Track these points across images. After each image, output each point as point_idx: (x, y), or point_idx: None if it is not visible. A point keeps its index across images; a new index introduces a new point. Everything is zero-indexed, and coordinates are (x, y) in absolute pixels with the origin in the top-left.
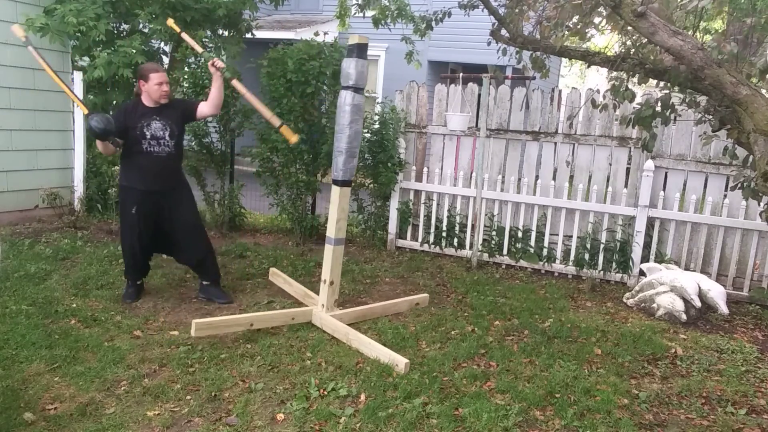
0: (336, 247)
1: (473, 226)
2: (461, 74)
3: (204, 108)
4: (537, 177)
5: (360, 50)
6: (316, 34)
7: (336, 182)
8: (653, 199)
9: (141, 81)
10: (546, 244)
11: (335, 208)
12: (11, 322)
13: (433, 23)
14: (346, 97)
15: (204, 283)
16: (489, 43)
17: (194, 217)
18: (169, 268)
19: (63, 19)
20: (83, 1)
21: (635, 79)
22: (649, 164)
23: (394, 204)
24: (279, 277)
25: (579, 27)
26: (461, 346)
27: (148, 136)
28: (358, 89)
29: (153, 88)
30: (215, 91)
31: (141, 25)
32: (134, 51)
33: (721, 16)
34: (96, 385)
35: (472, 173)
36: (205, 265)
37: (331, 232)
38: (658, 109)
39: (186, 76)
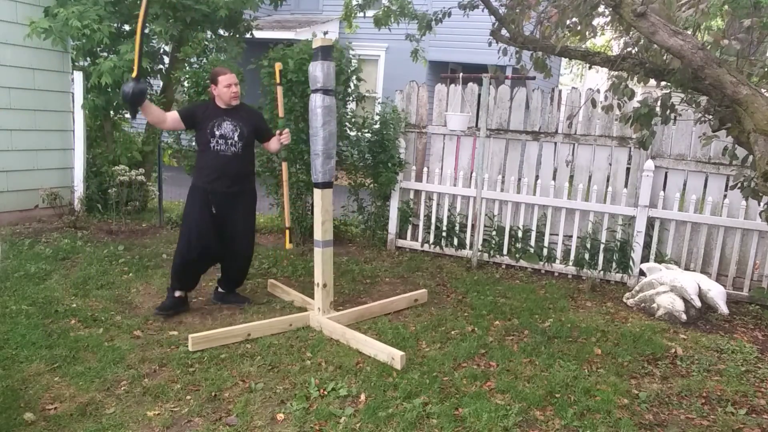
0: (325, 249)
1: (473, 226)
2: (461, 74)
3: (270, 144)
4: (537, 177)
5: (324, 53)
6: (314, 35)
7: (317, 185)
8: (653, 199)
9: (212, 85)
10: (546, 244)
11: (319, 211)
12: (11, 322)
13: (433, 23)
14: (316, 100)
15: (221, 291)
16: (490, 44)
17: (249, 224)
18: (168, 268)
19: (66, 22)
20: (85, 3)
21: (635, 79)
22: (649, 164)
23: (394, 204)
24: (277, 288)
25: (579, 27)
26: (461, 346)
27: (217, 135)
28: (327, 91)
29: (223, 91)
30: (276, 144)
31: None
32: None
33: (721, 14)
34: (96, 385)
35: (472, 173)
36: (239, 274)
37: (318, 234)
38: (658, 108)
39: (187, 76)
